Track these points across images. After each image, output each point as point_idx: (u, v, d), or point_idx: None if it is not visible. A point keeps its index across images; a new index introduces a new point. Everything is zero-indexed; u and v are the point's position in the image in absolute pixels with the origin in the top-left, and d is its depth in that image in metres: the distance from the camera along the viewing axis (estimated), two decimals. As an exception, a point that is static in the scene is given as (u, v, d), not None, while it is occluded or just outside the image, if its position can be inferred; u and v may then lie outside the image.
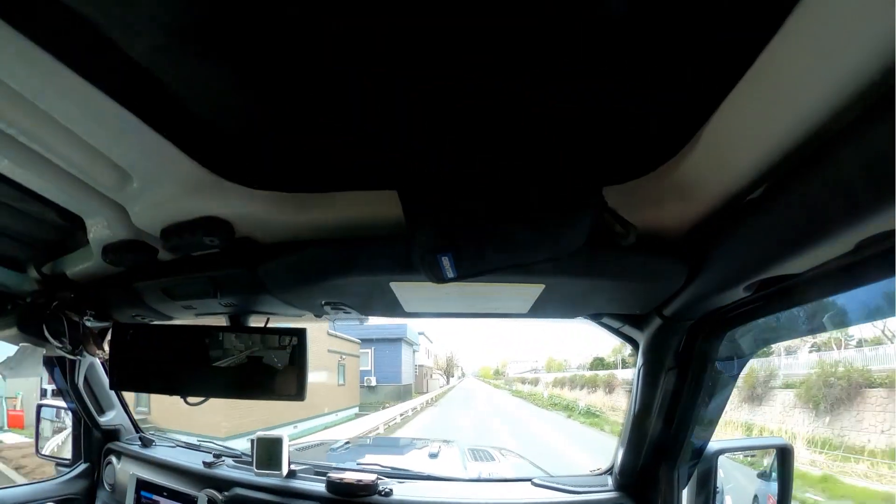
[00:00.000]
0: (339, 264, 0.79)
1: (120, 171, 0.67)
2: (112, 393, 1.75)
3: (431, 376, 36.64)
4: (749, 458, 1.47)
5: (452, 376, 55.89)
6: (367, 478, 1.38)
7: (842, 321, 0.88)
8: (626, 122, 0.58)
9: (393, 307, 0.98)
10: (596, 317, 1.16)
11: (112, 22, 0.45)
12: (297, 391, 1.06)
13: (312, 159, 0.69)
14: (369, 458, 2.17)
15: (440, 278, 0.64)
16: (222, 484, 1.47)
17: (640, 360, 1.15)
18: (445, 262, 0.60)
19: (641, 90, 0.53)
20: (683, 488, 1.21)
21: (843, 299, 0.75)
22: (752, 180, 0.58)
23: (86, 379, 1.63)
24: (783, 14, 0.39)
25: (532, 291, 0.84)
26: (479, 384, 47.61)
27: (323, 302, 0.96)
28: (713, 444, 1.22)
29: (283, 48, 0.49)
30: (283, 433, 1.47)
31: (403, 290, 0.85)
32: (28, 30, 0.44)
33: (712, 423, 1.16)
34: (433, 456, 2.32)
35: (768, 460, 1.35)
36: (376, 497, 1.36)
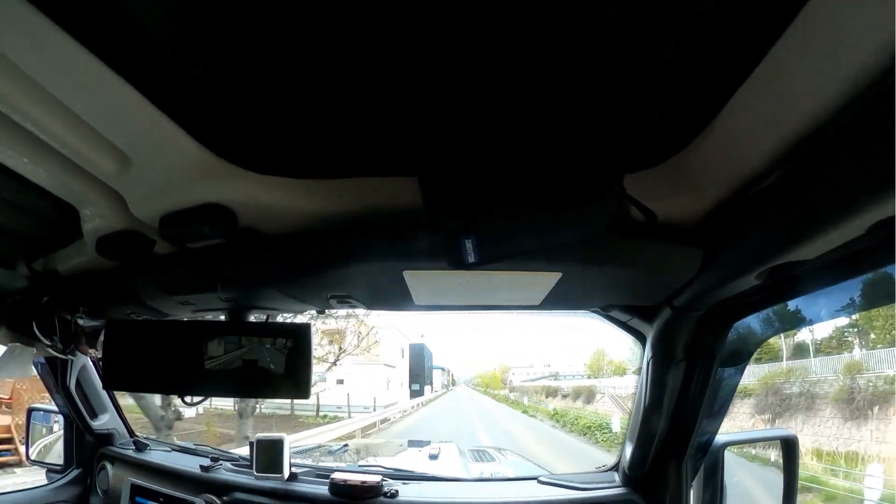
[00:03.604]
0: (352, 252, 0.77)
1: (119, 154, 0.64)
2: (105, 396, 1.70)
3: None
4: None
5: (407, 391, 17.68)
6: (372, 479, 1.35)
7: (850, 308, 0.88)
8: (640, 113, 0.59)
9: (403, 299, 0.96)
10: (606, 309, 1.15)
11: None
12: (301, 390, 1.03)
13: (324, 144, 0.67)
14: (370, 460, 2.13)
15: (460, 263, 0.62)
16: (221, 488, 1.43)
17: (647, 354, 1.15)
18: (468, 245, 0.59)
19: (655, 83, 0.54)
20: (691, 482, 1.20)
21: (852, 285, 0.76)
22: (764, 168, 0.59)
23: (78, 381, 1.58)
24: (796, 6, 0.40)
25: (548, 281, 0.83)
26: (490, 405, 24.35)
27: (329, 295, 0.93)
28: (720, 437, 1.21)
29: (286, 45, 0.49)
30: (284, 435, 1.43)
31: (416, 279, 0.83)
32: None
33: (720, 416, 1.16)
34: (433, 457, 2.30)
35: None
36: (382, 499, 1.33)
